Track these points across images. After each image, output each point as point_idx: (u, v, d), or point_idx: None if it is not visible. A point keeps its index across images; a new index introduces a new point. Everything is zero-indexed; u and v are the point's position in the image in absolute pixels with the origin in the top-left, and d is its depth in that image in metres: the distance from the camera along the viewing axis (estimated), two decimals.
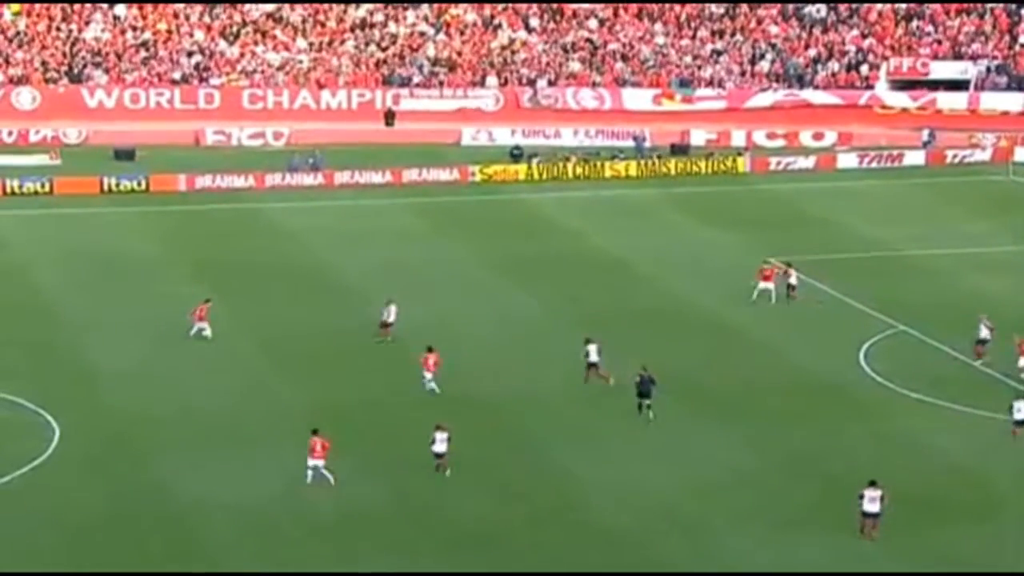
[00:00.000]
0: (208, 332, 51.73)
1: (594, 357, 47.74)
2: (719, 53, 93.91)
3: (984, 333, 49.77)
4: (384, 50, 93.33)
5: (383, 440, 43.56)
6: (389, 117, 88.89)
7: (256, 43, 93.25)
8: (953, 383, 48.17)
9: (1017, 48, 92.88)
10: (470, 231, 67.99)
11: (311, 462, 40.48)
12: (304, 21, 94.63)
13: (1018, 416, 43.82)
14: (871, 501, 37.30)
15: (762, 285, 56.48)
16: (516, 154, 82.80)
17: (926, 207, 73.99)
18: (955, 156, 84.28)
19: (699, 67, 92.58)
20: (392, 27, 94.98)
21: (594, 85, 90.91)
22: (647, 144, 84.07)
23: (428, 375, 46.96)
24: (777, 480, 41.00)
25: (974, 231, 68.40)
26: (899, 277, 60.82)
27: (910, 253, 64.58)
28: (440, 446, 41.67)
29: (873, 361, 50.30)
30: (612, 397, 46.84)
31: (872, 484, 37.50)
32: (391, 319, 52.11)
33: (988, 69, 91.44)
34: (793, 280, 57.31)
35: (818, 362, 50.32)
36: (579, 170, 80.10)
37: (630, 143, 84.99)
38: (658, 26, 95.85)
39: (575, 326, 53.25)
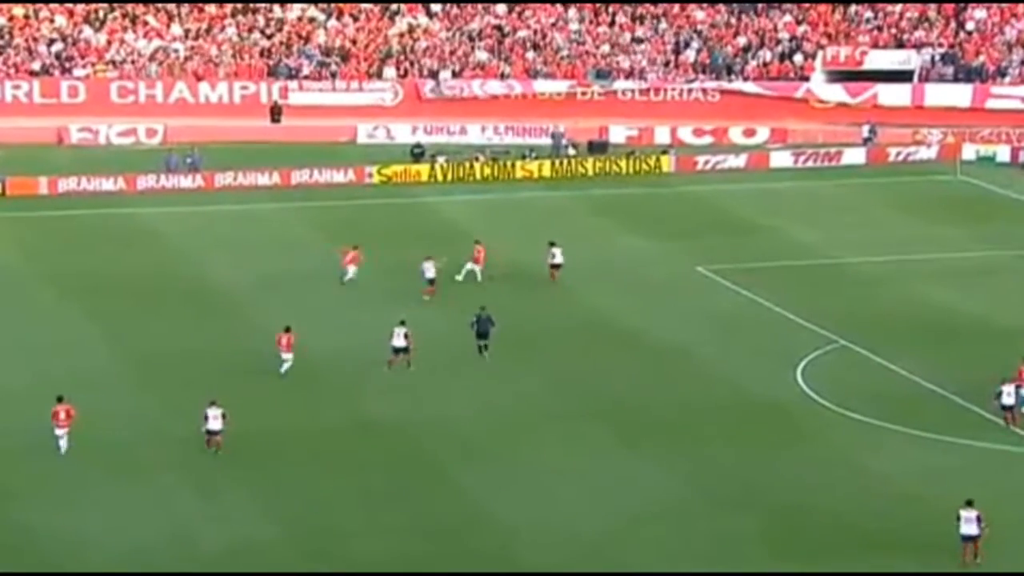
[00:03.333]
0: (352, 276, 59.43)
1: (400, 342, 50.90)
2: (639, 41, 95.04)
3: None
4: (269, 38, 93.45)
5: (277, 472, 43.90)
6: (276, 112, 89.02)
7: (125, 29, 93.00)
8: (896, 402, 49.33)
9: (963, 35, 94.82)
10: (367, 238, 68.20)
11: (57, 431, 43.63)
12: (179, 5, 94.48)
13: (1007, 401, 46.71)
14: (967, 522, 38.61)
15: (469, 266, 60.48)
16: (418, 153, 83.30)
17: (867, 209, 75.38)
18: (898, 154, 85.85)
19: (617, 57, 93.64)
20: (278, 12, 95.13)
21: (503, 76, 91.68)
22: (565, 142, 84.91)
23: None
24: (711, 510, 41.85)
25: (919, 236, 69.82)
26: (838, 287, 62.04)
27: (850, 260, 65.85)
28: (214, 423, 43.80)
29: (811, 379, 51.38)
30: (532, 421, 47.54)
31: (968, 504, 38.76)
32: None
33: (933, 59, 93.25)
34: (558, 259, 61.29)
35: (753, 380, 51.32)
36: (488, 170, 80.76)
37: (543, 140, 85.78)
38: (572, 11, 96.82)
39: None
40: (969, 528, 38.87)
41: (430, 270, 59.38)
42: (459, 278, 60.53)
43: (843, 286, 62.10)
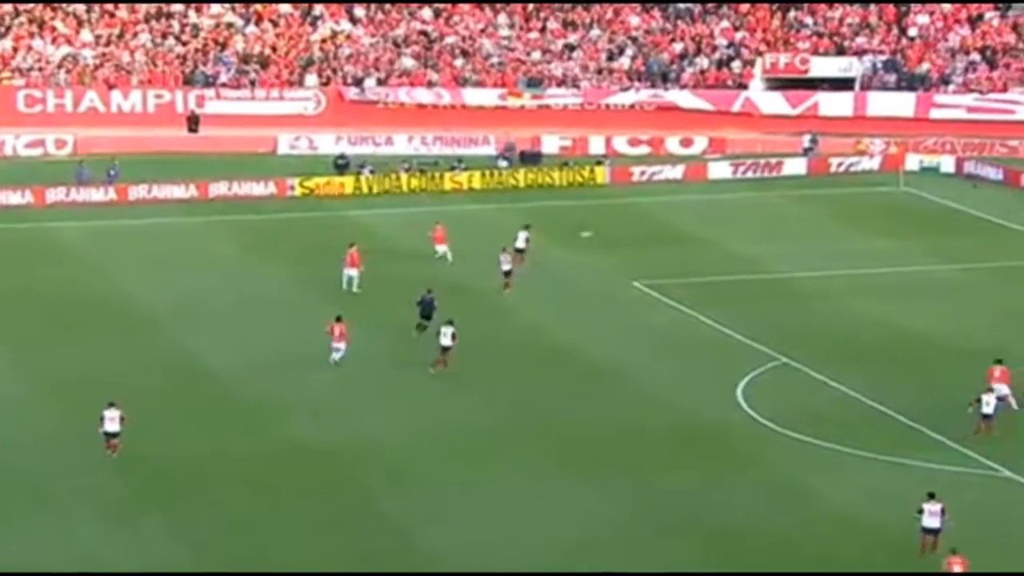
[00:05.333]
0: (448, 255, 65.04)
1: (447, 341, 52.92)
2: (572, 48, 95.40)
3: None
4: (185, 44, 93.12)
5: (195, 498, 43.79)
6: (192, 122, 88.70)
7: (32, 35, 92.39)
8: (840, 422, 49.74)
9: (905, 42, 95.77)
10: (289, 254, 68.22)
11: None
12: (89, 10, 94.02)
13: (986, 410, 47.72)
14: (931, 516, 39.65)
15: (347, 272, 61.67)
16: (342, 164, 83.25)
17: (808, 222, 75.96)
18: (840, 164, 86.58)
19: (549, 64, 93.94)
20: (194, 17, 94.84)
21: (431, 84, 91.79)
22: (514, 153, 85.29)
23: None
24: (652, 536, 42.03)
25: (862, 249, 70.44)
26: (779, 302, 62.48)
27: (791, 275, 66.33)
28: (110, 425, 44.72)
29: (752, 398, 51.71)
30: (465, 444, 47.61)
31: (931, 497, 39.94)
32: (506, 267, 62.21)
33: (875, 66, 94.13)
34: (520, 243, 64.54)
35: (693, 401, 51.60)
36: (415, 182, 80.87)
37: (472, 150, 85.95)
38: (502, 17, 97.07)
39: (418, 364, 53.91)
40: (932, 521, 39.75)
41: (506, 262, 62.26)
42: (345, 288, 61.39)
43: (784, 301, 62.55)
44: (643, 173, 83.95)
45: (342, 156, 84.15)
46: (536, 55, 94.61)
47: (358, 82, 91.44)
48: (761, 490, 44.94)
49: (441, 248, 66.86)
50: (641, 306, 61.91)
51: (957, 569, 38.12)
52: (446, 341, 53.21)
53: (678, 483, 45.14)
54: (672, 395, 52.13)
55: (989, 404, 48.15)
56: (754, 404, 51.14)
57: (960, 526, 40.70)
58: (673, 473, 45.85)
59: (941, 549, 39.53)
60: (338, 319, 53.69)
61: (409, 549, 41.14)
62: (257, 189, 79.04)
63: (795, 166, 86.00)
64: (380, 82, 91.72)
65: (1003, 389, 49.52)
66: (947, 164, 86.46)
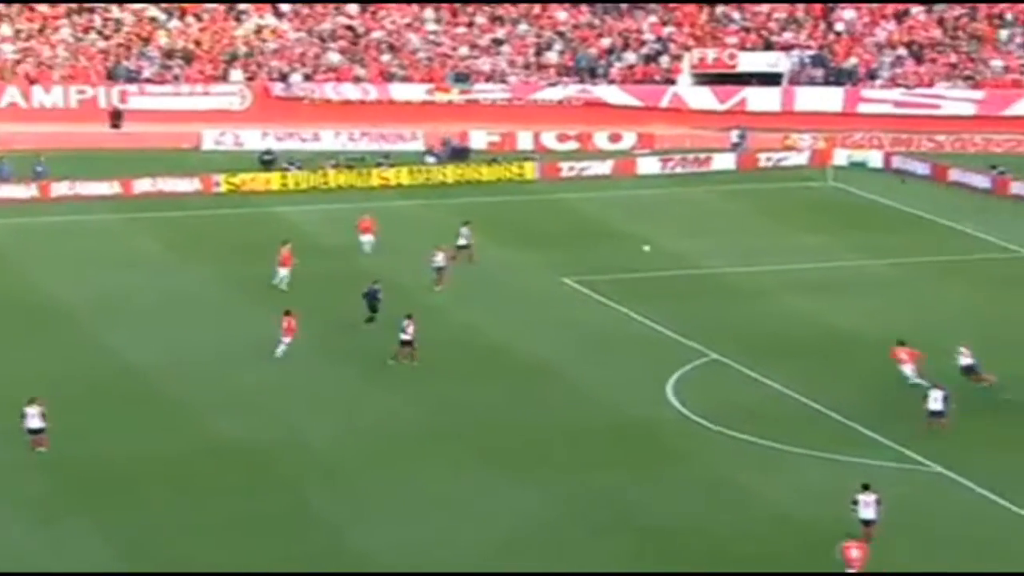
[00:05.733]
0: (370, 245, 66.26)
1: (406, 336, 53.48)
2: (500, 43, 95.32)
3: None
4: (107, 39, 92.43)
5: (121, 498, 43.43)
6: (115, 118, 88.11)
7: None
8: (771, 419, 49.80)
9: (833, 37, 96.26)
10: (214, 251, 67.83)
11: None
12: (9, 4, 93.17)
13: (933, 407, 47.95)
14: (866, 506, 40.04)
15: (282, 272, 61.38)
16: (267, 160, 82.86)
17: (737, 217, 76.19)
18: (768, 159, 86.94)
19: (477, 59, 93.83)
20: (116, 11, 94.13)
21: (357, 80, 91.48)
22: (446, 149, 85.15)
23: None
24: (584, 535, 41.92)
25: (791, 244, 70.70)
26: (708, 298, 62.58)
27: (721, 270, 66.47)
28: (33, 422, 44.56)
29: (682, 395, 51.72)
30: (394, 443, 47.40)
31: (866, 488, 40.33)
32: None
33: (802, 61, 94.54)
34: (462, 240, 65.03)
35: (623, 397, 51.54)
36: (342, 178, 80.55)
37: (400, 146, 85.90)
38: (428, 11, 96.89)
39: (348, 362, 53.67)
40: (868, 512, 40.02)
41: (438, 260, 62.24)
42: (275, 282, 61.21)
43: (714, 297, 62.64)
44: (572, 169, 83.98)
45: (268, 152, 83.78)
46: (464, 50, 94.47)
47: (284, 77, 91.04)
48: (694, 487, 44.92)
49: (366, 238, 66.71)
50: (571, 303, 61.87)
51: (855, 553, 38.52)
52: (405, 336, 53.51)
53: (610, 481, 45.04)
54: (602, 392, 52.05)
55: (936, 400, 48.27)
56: (685, 401, 51.16)
57: (888, 518, 40.87)
58: (605, 471, 45.75)
59: (876, 539, 39.74)
60: (287, 313, 53.86)
61: (340, 549, 40.87)
62: (182, 185, 78.57)
63: (724, 161, 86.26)
64: (306, 77, 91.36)
65: (909, 369, 50.96)
66: (875, 159, 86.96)
